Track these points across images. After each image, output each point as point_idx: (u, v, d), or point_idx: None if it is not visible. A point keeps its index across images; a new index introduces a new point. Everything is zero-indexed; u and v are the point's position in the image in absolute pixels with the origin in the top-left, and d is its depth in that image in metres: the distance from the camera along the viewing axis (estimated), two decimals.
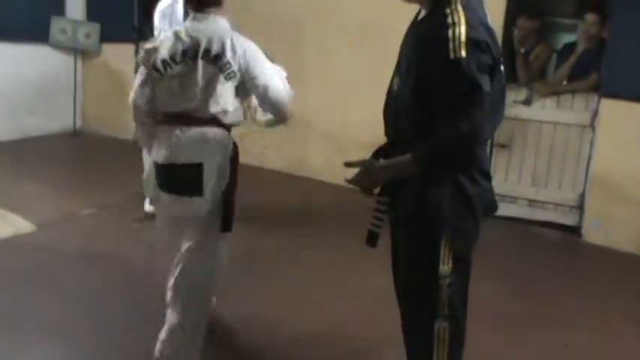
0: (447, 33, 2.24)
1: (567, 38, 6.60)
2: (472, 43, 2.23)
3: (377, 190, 2.60)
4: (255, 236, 5.22)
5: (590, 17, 5.85)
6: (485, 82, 2.25)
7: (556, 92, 5.94)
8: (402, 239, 2.55)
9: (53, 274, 4.34)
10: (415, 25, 2.53)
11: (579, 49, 5.92)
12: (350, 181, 2.55)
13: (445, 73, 2.24)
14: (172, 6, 5.34)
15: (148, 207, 5.55)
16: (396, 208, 2.52)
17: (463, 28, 2.24)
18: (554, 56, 6.41)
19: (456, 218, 2.41)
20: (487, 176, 2.50)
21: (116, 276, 4.53)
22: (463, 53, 2.21)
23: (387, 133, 2.63)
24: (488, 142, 2.55)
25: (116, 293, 4.27)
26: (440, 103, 2.27)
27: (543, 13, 6.52)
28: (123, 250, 4.98)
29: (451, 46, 2.22)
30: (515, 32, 6.16)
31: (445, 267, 2.43)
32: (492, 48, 2.31)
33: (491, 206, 2.55)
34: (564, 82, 6.00)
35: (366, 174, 2.49)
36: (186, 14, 5.11)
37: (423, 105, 2.33)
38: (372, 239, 2.62)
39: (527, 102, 5.96)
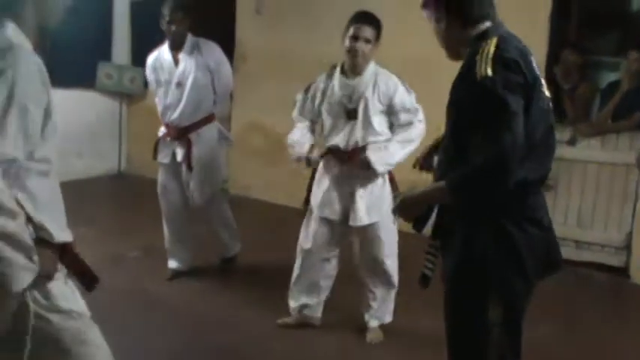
0: (477, 56, 2.26)
1: (610, 77, 6.56)
2: (499, 61, 2.22)
3: (427, 230, 2.58)
4: None
5: (633, 55, 5.81)
6: (514, 101, 2.18)
7: (600, 132, 5.88)
8: (451, 285, 2.52)
9: (101, 316, 4.37)
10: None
11: (623, 88, 5.87)
12: (393, 211, 2.61)
13: (472, 95, 2.24)
14: (159, 57, 5.29)
15: (172, 264, 5.47)
16: (444, 255, 2.52)
17: (492, 49, 2.25)
18: (598, 95, 6.35)
19: (501, 269, 2.34)
20: (539, 225, 2.41)
21: (161, 317, 4.56)
22: (489, 72, 2.19)
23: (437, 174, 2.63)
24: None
25: (162, 333, 4.33)
26: (471, 128, 2.24)
27: (586, 51, 6.48)
28: (166, 292, 5.03)
29: (478, 66, 2.22)
30: (558, 68, 6.13)
31: (494, 313, 2.37)
32: (524, 68, 2.26)
33: (550, 260, 2.46)
34: (608, 122, 5.94)
35: (405, 203, 2.50)
36: (175, 60, 5.16)
37: (459, 137, 2.33)
38: (424, 281, 2.61)
39: (571, 142, 5.92)
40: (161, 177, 5.41)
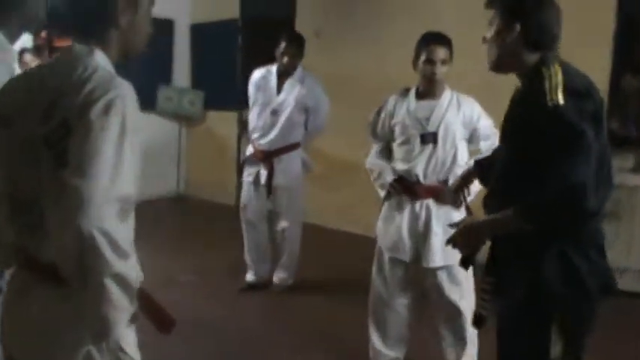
0: (544, 85, 2.18)
1: None
2: (570, 90, 2.16)
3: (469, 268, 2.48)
4: None
5: None
6: (589, 129, 2.12)
7: None
8: (509, 323, 2.40)
9: (150, 343, 4.34)
10: (516, 93, 2.46)
11: None
12: (450, 241, 2.47)
13: (545, 124, 2.16)
14: (265, 77, 5.44)
15: (249, 277, 5.63)
16: (502, 291, 2.39)
17: (560, 78, 2.19)
18: None
19: (568, 299, 2.26)
20: (602, 252, 2.34)
21: (213, 345, 4.51)
22: (561, 100, 2.13)
23: (487, 209, 2.52)
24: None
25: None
26: (544, 157, 2.16)
27: None
28: (220, 317, 4.99)
29: (548, 95, 2.15)
30: (620, 93, 5.93)
31: (557, 348, 2.28)
32: (594, 97, 2.22)
33: (609, 286, 2.37)
34: None
35: (468, 231, 2.40)
36: (279, 85, 5.27)
37: (527, 168, 2.23)
38: (479, 321, 2.50)
39: (635, 169, 5.69)
40: (244, 194, 5.61)
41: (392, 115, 3.89)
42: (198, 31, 9.43)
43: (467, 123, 3.78)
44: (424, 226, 3.78)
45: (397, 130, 3.86)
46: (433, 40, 3.75)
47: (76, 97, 1.70)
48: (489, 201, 2.50)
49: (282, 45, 5.26)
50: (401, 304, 3.98)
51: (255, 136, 5.45)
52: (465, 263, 2.46)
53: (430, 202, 3.77)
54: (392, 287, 3.96)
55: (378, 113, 3.99)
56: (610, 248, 5.73)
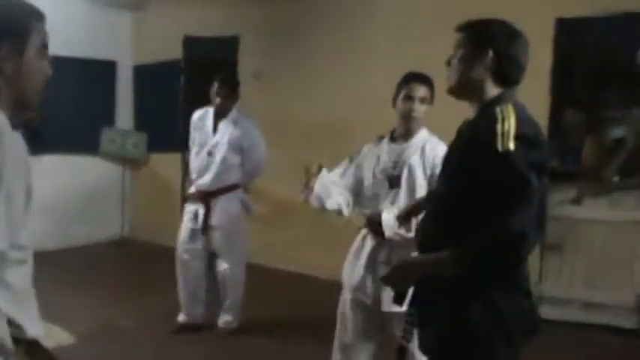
0: (495, 127, 2.17)
1: (615, 131, 6.44)
2: (522, 138, 2.15)
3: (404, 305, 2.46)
4: None
5: (638, 112, 5.73)
6: (534, 178, 2.12)
7: (607, 190, 5.77)
8: (433, 355, 2.41)
9: None
10: (464, 125, 2.44)
11: (629, 144, 5.78)
12: (383, 279, 2.45)
13: (492, 167, 2.15)
14: (203, 118, 5.51)
15: (181, 318, 5.57)
16: (423, 325, 2.39)
17: (513, 123, 2.17)
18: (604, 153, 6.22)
19: (490, 341, 2.24)
20: (528, 295, 2.34)
21: None
22: (512, 146, 2.12)
23: (420, 241, 2.52)
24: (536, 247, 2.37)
25: None
26: (485, 200, 2.14)
27: (589, 106, 6.37)
28: None
29: (499, 139, 2.14)
30: (562, 127, 6.04)
31: None
32: (542, 146, 2.23)
33: (532, 328, 2.36)
34: (615, 179, 5.83)
35: (401, 269, 2.39)
36: (215, 126, 5.35)
37: (466, 206, 2.22)
38: (401, 352, 2.52)
39: (576, 201, 5.79)
40: (182, 233, 5.56)
41: (366, 160, 3.82)
42: (141, 73, 9.38)
43: (427, 165, 3.68)
44: (383, 267, 3.59)
45: (367, 175, 3.78)
46: (414, 78, 3.70)
47: None
48: (423, 233, 2.50)
49: (215, 86, 5.34)
50: (365, 349, 3.80)
51: (194, 176, 5.51)
52: (397, 299, 2.45)
53: (392, 242, 3.63)
54: (358, 332, 3.77)
55: (351, 160, 3.90)
56: (554, 280, 5.87)
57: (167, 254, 7.84)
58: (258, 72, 7.88)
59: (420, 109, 3.66)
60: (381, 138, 3.84)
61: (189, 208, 5.52)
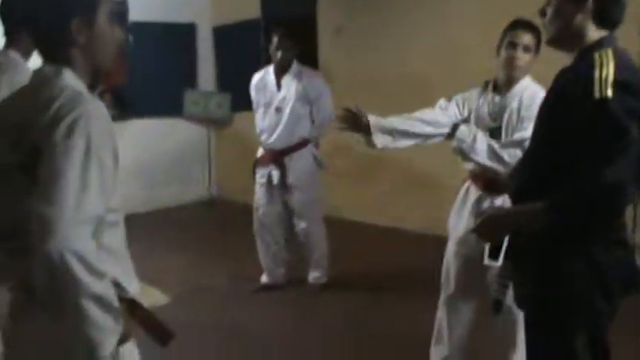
0: (593, 73, 2.06)
1: None
2: (620, 84, 2.03)
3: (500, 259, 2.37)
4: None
5: None
6: (633, 127, 2.02)
7: None
8: (532, 315, 2.34)
9: (185, 349, 4.32)
10: (561, 73, 2.31)
11: None
12: (475, 230, 2.37)
13: (588, 115, 2.04)
14: (264, 78, 5.52)
15: (264, 279, 5.63)
16: (519, 278, 2.32)
17: (612, 70, 2.06)
18: None
19: (588, 295, 2.17)
20: (625, 245, 2.23)
21: (246, 350, 4.47)
22: (609, 93, 2.01)
23: (514, 191, 2.43)
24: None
25: None
26: (581, 149, 2.05)
27: None
28: (253, 321, 4.96)
29: (597, 86, 2.03)
30: None
31: (579, 338, 2.21)
32: None
33: (633, 281, 2.25)
34: None
35: (492, 221, 2.31)
36: (278, 83, 5.30)
37: (561, 155, 2.14)
38: (497, 306, 2.44)
39: None
40: (257, 195, 5.59)
41: (468, 107, 3.65)
42: (221, 34, 9.41)
43: (524, 112, 3.47)
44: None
45: (472, 119, 3.63)
46: (520, 24, 3.47)
47: (43, 118, 1.71)
48: (517, 182, 2.43)
49: (275, 40, 5.30)
50: (468, 302, 3.71)
51: (263, 137, 5.48)
52: (492, 253, 2.37)
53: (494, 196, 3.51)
54: (461, 284, 3.69)
55: (450, 99, 3.72)
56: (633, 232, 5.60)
57: (252, 214, 7.97)
58: (339, 27, 7.77)
59: (523, 58, 3.44)
60: (486, 84, 3.64)
61: (262, 172, 5.51)
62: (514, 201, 2.41)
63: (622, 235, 2.25)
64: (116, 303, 1.75)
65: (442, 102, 3.70)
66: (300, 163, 5.40)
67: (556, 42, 2.31)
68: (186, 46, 9.27)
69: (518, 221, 2.25)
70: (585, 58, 2.17)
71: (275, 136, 5.37)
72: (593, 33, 2.22)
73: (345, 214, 7.70)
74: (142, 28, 8.15)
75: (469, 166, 3.62)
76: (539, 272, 2.24)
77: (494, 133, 3.51)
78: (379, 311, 5.04)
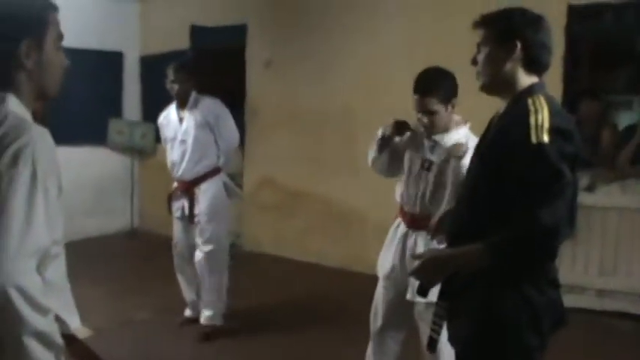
0: (529, 119, 2.15)
1: (626, 117, 6.43)
2: (556, 130, 2.14)
3: (437, 292, 2.45)
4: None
5: None
6: (567, 171, 2.12)
7: (620, 177, 5.73)
8: (464, 348, 2.40)
9: None
10: (496, 118, 2.42)
11: None
12: (413, 273, 2.41)
13: (526, 159, 2.13)
14: (167, 115, 5.56)
15: (187, 312, 5.60)
16: (453, 317, 2.39)
17: (546, 115, 2.16)
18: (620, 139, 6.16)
19: (518, 334, 2.24)
20: (556, 285, 2.33)
21: None
22: (545, 139, 2.11)
23: (450, 233, 2.51)
24: None
25: None
26: (518, 192, 2.13)
27: (602, 93, 6.32)
28: (179, 356, 4.93)
29: (533, 131, 2.12)
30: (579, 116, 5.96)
31: None
32: (575, 139, 2.21)
33: (561, 320, 2.35)
34: (628, 166, 5.78)
35: (432, 264, 2.34)
36: (180, 117, 5.35)
37: (498, 198, 2.21)
38: (432, 344, 2.50)
39: (590, 188, 5.74)
40: (174, 230, 5.59)
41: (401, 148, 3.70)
42: (148, 63, 9.34)
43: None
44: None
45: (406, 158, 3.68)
46: (419, 89, 3.43)
47: None
48: (453, 225, 2.50)
49: (170, 74, 5.29)
50: (394, 337, 3.80)
51: (174, 170, 5.46)
52: (421, 290, 2.43)
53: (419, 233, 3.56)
54: (390, 318, 3.74)
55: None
56: (568, 267, 5.85)
57: None
58: (269, 60, 7.84)
59: (434, 119, 3.43)
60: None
61: (177, 205, 5.49)
62: (450, 243, 2.45)
63: (554, 275, 2.33)
64: (58, 339, 1.72)
65: None
66: (208, 193, 5.35)
67: (489, 89, 2.41)
68: (112, 74, 9.18)
69: (457, 263, 2.28)
70: (519, 103, 2.27)
71: (182, 167, 5.35)
72: (524, 78, 2.33)
73: (267, 249, 7.70)
74: (68, 53, 7.99)
75: (398, 198, 3.70)
76: (475, 311, 2.29)
77: (425, 164, 3.54)
78: (300, 342, 5.08)
